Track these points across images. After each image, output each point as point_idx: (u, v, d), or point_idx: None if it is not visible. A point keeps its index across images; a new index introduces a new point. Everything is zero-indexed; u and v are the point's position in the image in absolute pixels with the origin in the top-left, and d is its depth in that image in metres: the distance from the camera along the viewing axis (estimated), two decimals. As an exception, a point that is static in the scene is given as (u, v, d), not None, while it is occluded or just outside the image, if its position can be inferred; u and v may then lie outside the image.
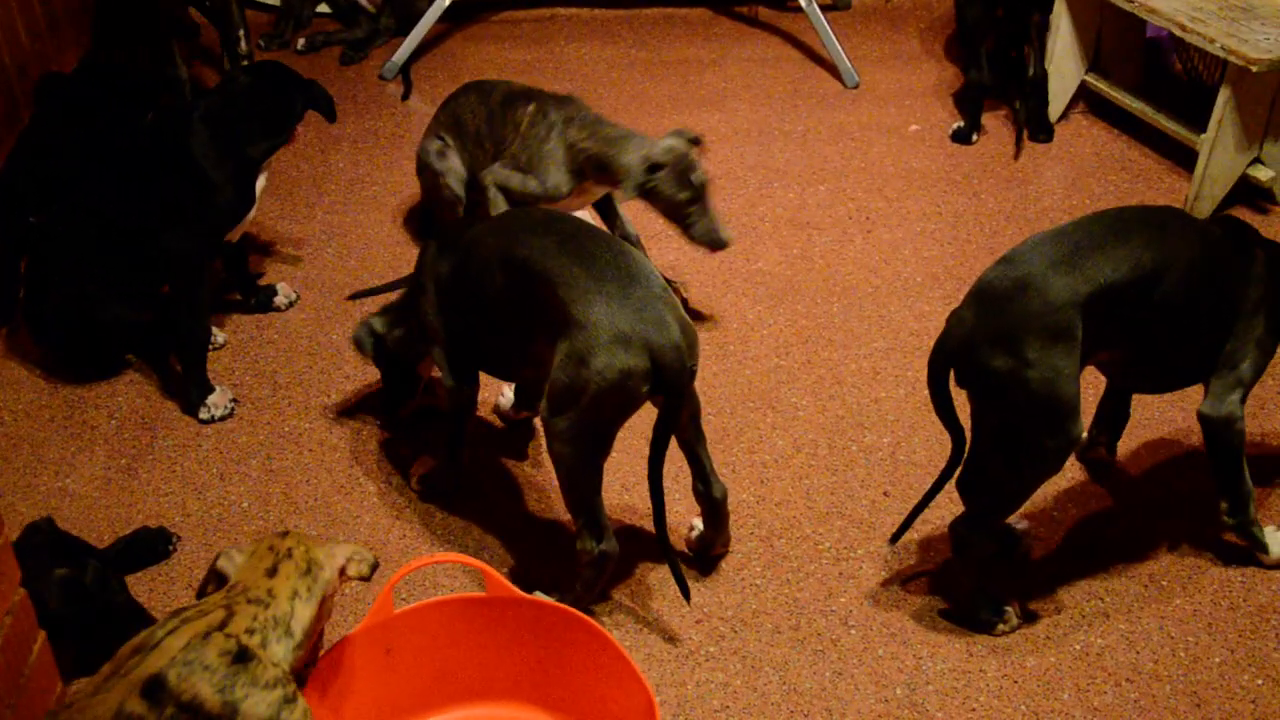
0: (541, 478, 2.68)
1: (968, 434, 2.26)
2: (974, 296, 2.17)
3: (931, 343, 2.23)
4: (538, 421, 2.80)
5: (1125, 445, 2.71)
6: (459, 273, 2.39)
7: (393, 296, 2.80)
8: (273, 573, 1.87)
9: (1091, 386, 2.66)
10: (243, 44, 4.12)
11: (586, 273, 2.15)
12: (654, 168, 2.88)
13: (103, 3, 3.91)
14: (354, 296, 3.10)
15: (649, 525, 2.53)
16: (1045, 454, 2.16)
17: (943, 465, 2.31)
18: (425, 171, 3.29)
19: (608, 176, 2.99)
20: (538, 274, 2.20)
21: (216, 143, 2.82)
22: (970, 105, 3.85)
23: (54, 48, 3.84)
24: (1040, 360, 2.08)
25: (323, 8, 4.72)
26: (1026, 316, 2.09)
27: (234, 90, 2.90)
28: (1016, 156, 3.77)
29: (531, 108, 3.11)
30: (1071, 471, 2.67)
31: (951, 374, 2.21)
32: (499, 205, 3.09)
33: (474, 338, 2.42)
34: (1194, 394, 2.45)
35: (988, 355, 2.11)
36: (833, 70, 4.29)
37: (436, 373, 2.69)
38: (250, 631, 1.81)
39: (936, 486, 2.32)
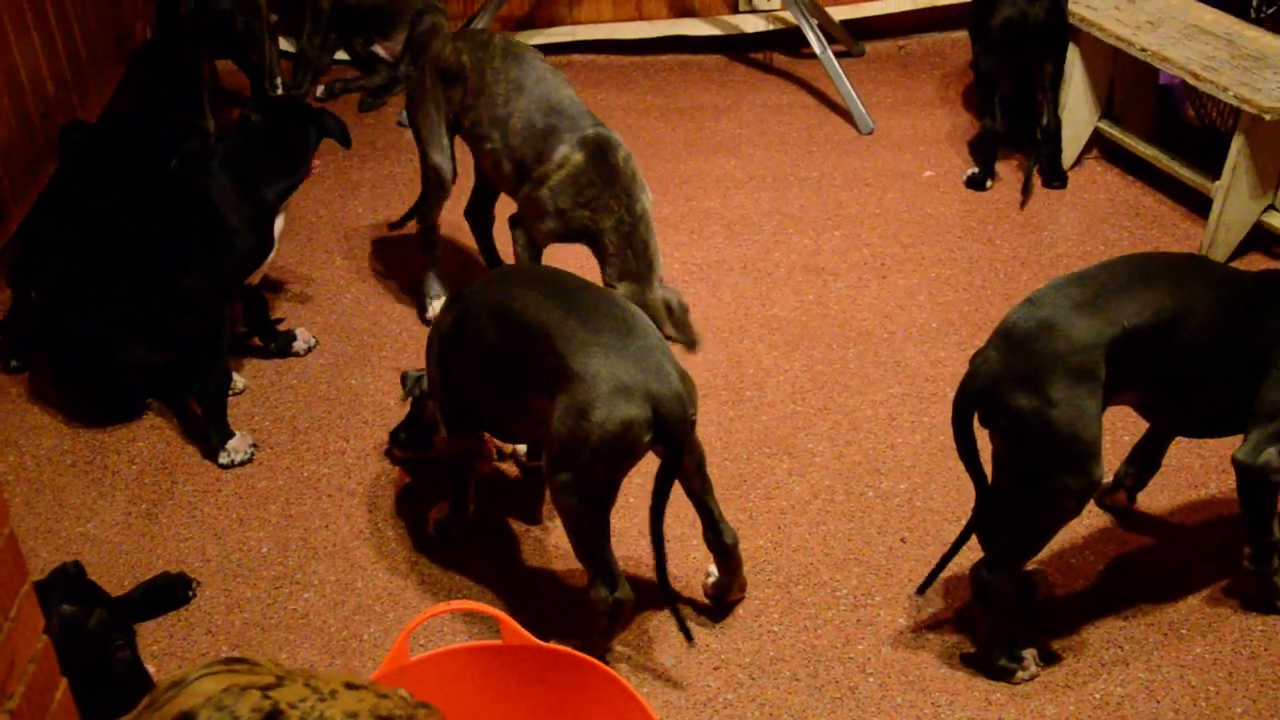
0: (559, 525, 2.68)
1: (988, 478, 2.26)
2: (998, 337, 2.19)
3: (948, 388, 2.25)
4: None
5: (1144, 490, 2.71)
6: (457, 326, 2.39)
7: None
8: (356, 688, 1.70)
9: (1123, 430, 2.66)
10: (279, 91, 4.18)
11: (583, 325, 2.16)
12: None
13: (138, 53, 3.98)
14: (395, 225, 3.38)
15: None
16: (1066, 495, 2.16)
17: (960, 511, 2.31)
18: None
19: (606, 267, 2.86)
20: (533, 328, 2.20)
21: (236, 187, 2.87)
22: (985, 152, 3.88)
23: (78, 95, 3.89)
24: (1064, 400, 2.10)
25: (341, 55, 4.78)
26: (1051, 356, 2.11)
27: (249, 132, 2.96)
28: (1023, 205, 3.78)
29: (575, 158, 2.86)
30: (1090, 517, 2.67)
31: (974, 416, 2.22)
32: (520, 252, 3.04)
33: (473, 392, 2.41)
34: (1214, 441, 2.45)
35: (1012, 394, 2.13)
36: (847, 116, 4.32)
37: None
38: (293, 706, 1.72)
39: (965, 534, 2.32)
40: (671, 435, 2.13)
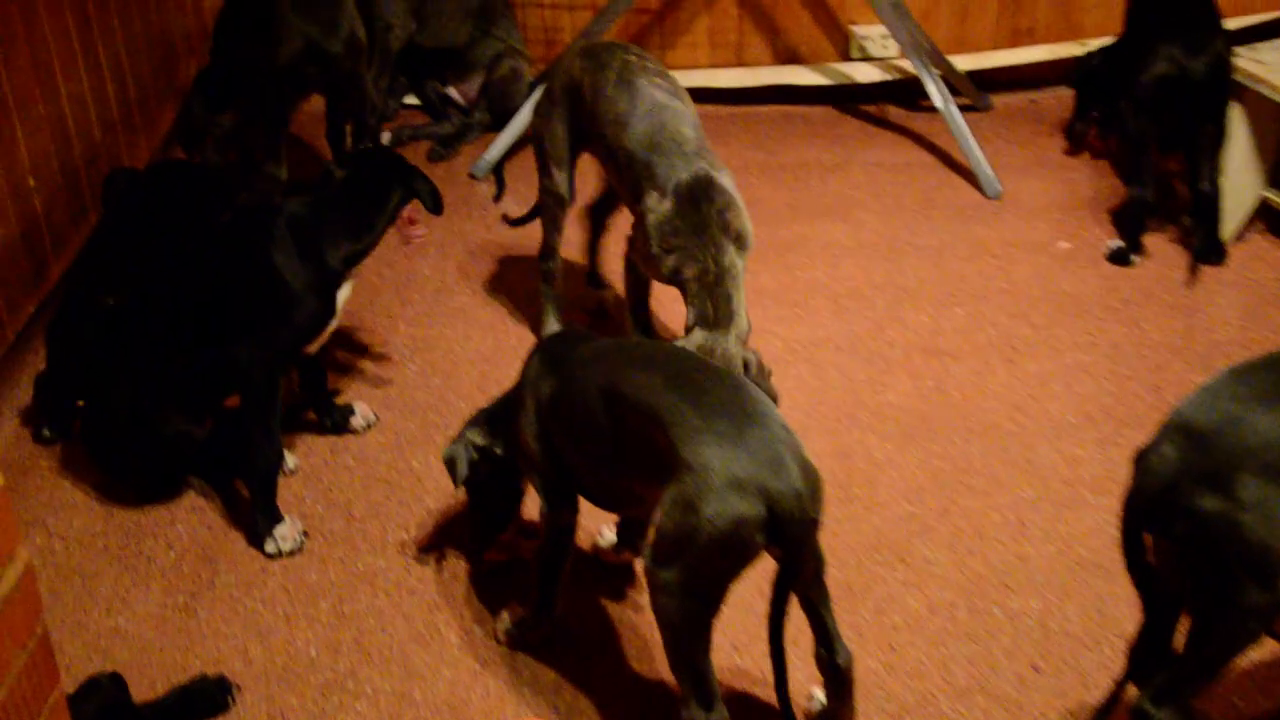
0: (643, 630, 2.67)
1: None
2: (1173, 431, 2.16)
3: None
4: (640, 564, 2.80)
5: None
6: (561, 398, 2.45)
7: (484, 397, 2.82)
8: None
9: None
10: (381, 136, 4.26)
11: (697, 410, 2.17)
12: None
13: (211, 90, 4.06)
14: (514, 223, 3.67)
15: (764, 693, 2.50)
16: (1250, 614, 2.11)
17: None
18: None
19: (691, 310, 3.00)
20: (644, 411, 2.24)
21: (300, 248, 2.91)
22: (1131, 222, 3.84)
23: (127, 140, 4.00)
24: (1255, 502, 2.05)
25: (410, 99, 4.88)
26: (1241, 453, 2.07)
27: (323, 187, 2.99)
28: (1190, 283, 3.73)
29: (663, 206, 3.03)
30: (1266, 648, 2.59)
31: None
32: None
33: (575, 465, 2.46)
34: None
35: (1195, 495, 2.09)
36: (971, 178, 4.31)
37: (527, 515, 2.72)
38: None
39: (1136, 663, 2.25)
40: (789, 537, 2.12)
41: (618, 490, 2.42)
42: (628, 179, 3.12)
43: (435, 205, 3.08)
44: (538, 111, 3.41)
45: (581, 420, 2.38)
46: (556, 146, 3.33)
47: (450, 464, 2.69)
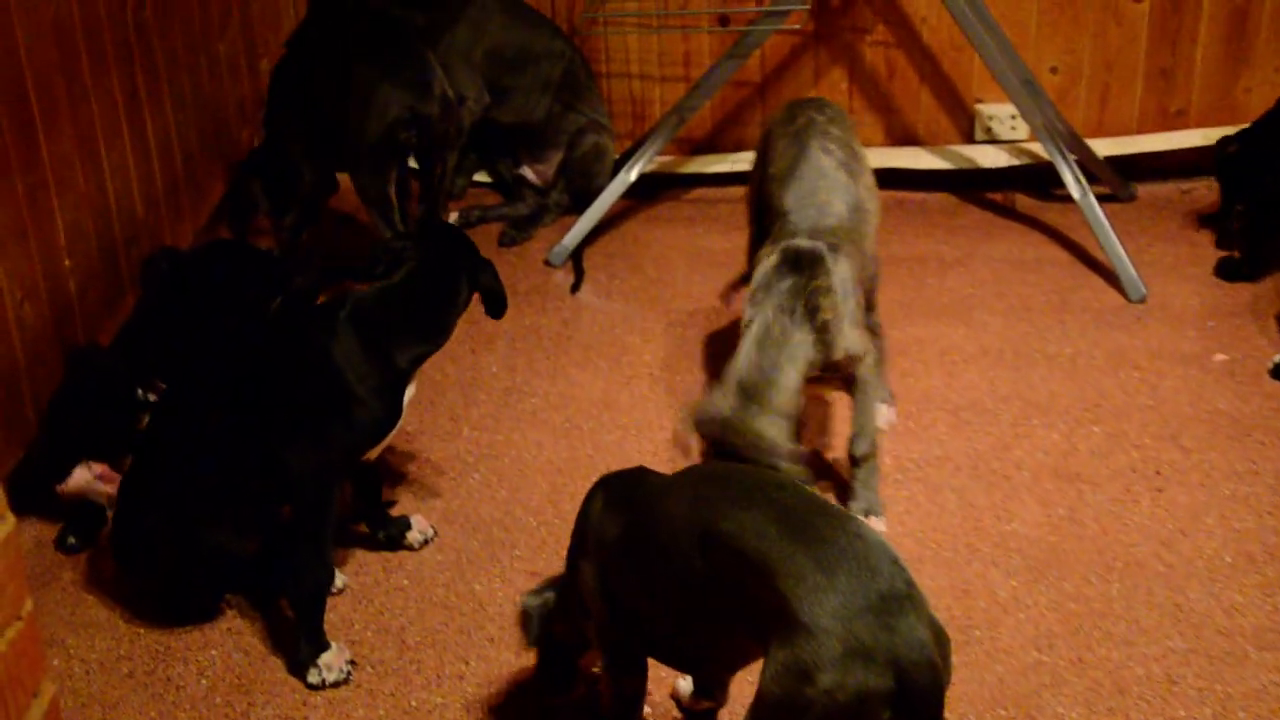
0: (730, 793, 2.64)
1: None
2: None
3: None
4: (724, 715, 2.77)
5: None
6: (633, 539, 2.40)
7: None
8: None
9: None
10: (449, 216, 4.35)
11: (814, 561, 2.13)
12: None
13: (271, 191, 4.18)
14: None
15: None
16: None
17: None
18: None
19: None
20: (751, 559, 2.19)
21: (365, 347, 2.95)
22: (1296, 333, 3.81)
23: (170, 218, 4.09)
24: None
25: (480, 176, 4.94)
26: None
27: (393, 280, 3.02)
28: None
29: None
30: None
31: None
32: None
33: (649, 619, 2.41)
34: None
35: None
36: (1112, 278, 4.29)
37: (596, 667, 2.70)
38: None
39: None
40: (918, 712, 2.08)
41: (698, 647, 2.36)
42: (763, 232, 3.33)
43: (497, 308, 3.11)
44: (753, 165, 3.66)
45: (661, 564, 2.33)
46: (750, 203, 3.60)
47: (524, 620, 2.68)
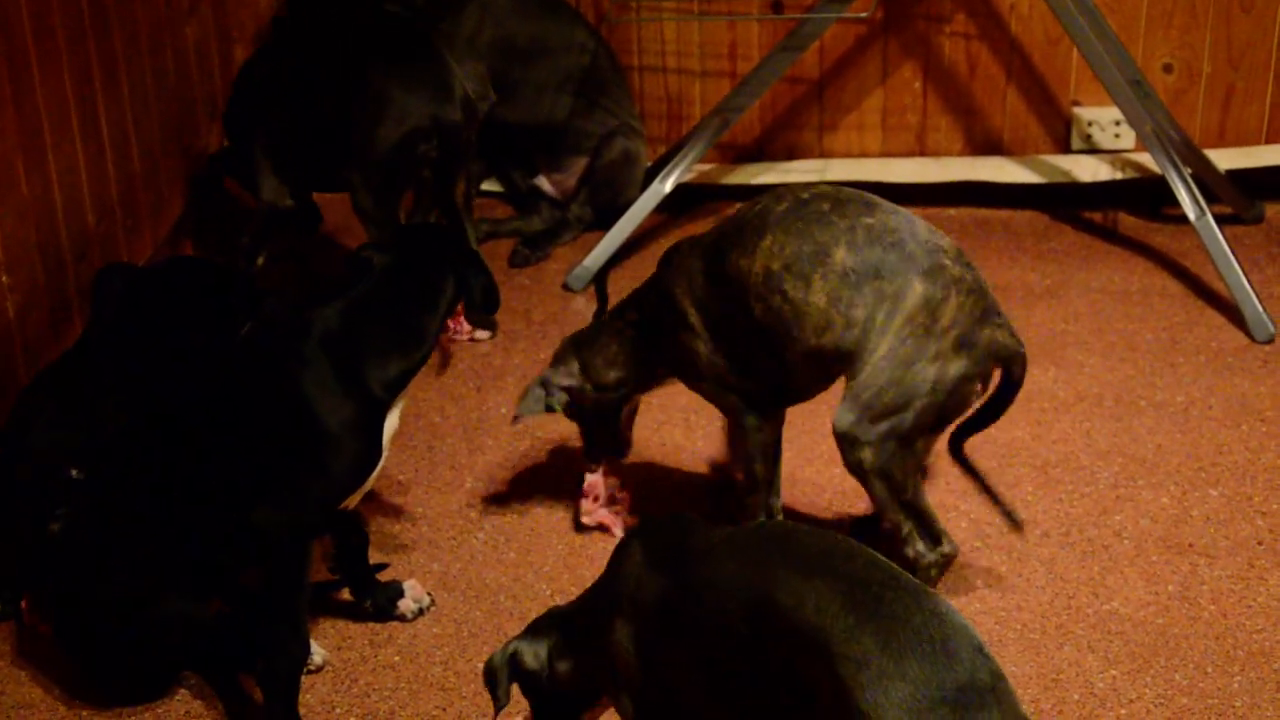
0: None
1: None
2: None
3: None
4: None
5: None
6: (674, 604, 2.41)
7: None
8: None
9: None
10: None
11: (882, 642, 2.12)
12: None
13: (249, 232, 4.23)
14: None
15: None
16: None
17: None
18: None
19: None
20: (806, 635, 2.18)
21: (337, 374, 2.96)
22: None
23: (126, 228, 4.12)
24: None
25: (489, 184, 4.94)
26: None
27: (360, 290, 3.05)
28: None
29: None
30: None
31: None
32: None
33: (688, 700, 2.42)
34: None
35: None
36: (1233, 313, 4.29)
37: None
38: None
39: None
40: None
41: None
42: None
43: (485, 302, 3.12)
44: None
45: (707, 635, 2.34)
46: None
47: (490, 680, 2.68)
